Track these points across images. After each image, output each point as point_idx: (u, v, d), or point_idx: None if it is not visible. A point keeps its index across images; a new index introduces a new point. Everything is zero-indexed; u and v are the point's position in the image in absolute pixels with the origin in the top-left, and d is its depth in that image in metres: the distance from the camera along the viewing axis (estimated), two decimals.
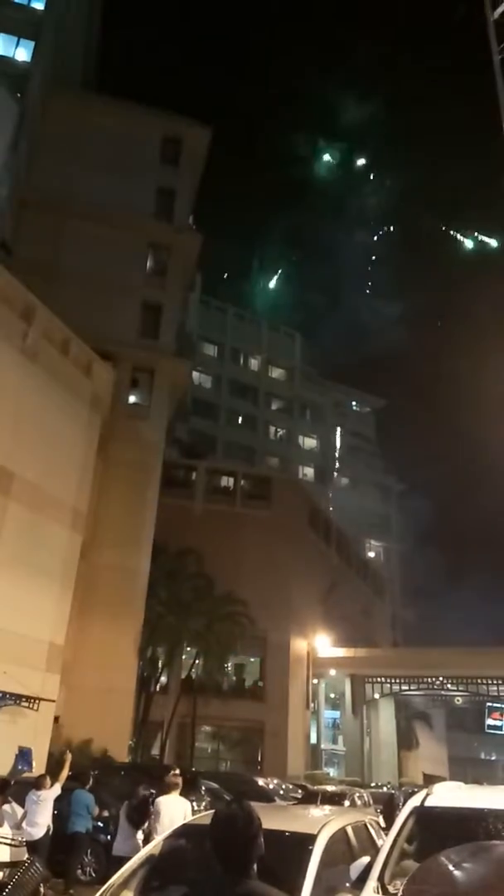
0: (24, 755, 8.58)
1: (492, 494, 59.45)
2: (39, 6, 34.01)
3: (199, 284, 54.69)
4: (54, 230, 28.68)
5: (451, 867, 1.41)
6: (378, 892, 4.09)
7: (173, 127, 34.49)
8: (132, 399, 29.08)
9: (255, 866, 2.62)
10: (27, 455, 19.95)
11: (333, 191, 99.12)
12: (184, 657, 31.00)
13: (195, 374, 52.85)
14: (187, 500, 36.26)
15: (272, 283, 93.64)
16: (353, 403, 70.69)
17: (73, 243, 28.72)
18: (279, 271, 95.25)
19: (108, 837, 10.35)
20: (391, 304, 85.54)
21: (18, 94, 29.01)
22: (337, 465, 65.65)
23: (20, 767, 8.35)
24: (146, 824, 8.42)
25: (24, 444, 19.84)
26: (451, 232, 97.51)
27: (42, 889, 3.80)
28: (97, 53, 46.63)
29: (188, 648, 30.60)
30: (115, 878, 5.26)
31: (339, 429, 66.90)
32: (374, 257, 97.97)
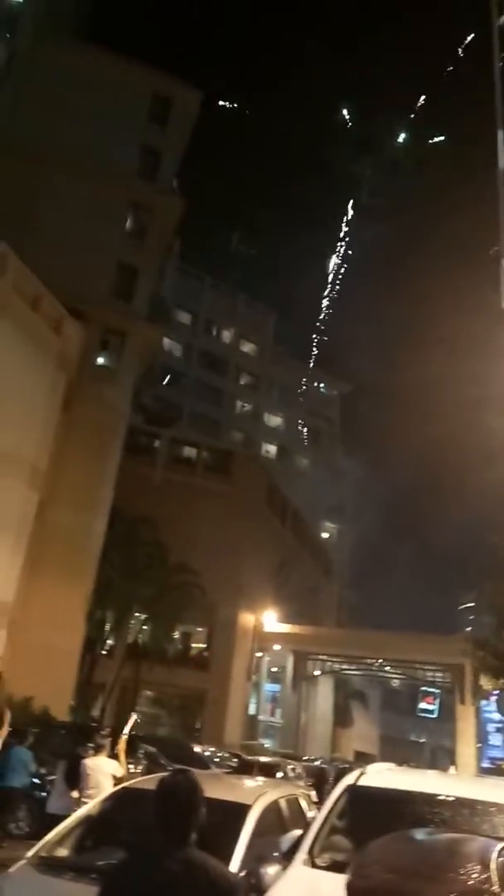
0: None
1: (443, 489, 60.80)
2: None
3: (177, 250, 53.85)
4: (32, 180, 27.58)
5: (388, 856, 1.52)
6: (307, 865, 4.27)
7: (165, 86, 33.54)
8: (100, 361, 28.67)
9: (194, 835, 2.73)
10: None
11: (327, 171, 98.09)
12: (132, 622, 31.17)
13: (166, 341, 52.25)
14: (148, 467, 36.18)
15: (252, 257, 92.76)
16: (321, 385, 70.98)
17: (50, 195, 27.62)
18: (260, 246, 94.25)
19: (45, 794, 10.47)
20: (371, 294, 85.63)
21: (8, 35, 27.90)
22: (299, 445, 66.02)
23: None
24: (81, 784, 8.56)
25: None
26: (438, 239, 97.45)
27: None
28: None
29: (137, 614, 30.77)
30: (51, 835, 5.34)
31: (304, 409, 67.18)
32: (360, 245, 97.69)
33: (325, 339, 73.58)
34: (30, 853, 5.06)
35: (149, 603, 28.94)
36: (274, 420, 64.80)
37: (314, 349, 69.20)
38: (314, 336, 71.44)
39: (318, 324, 73.78)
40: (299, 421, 66.63)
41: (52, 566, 23.90)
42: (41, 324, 22.62)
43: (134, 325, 29.21)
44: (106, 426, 27.25)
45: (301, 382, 67.15)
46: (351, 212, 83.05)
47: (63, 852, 5.24)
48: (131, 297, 29.67)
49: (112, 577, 26.69)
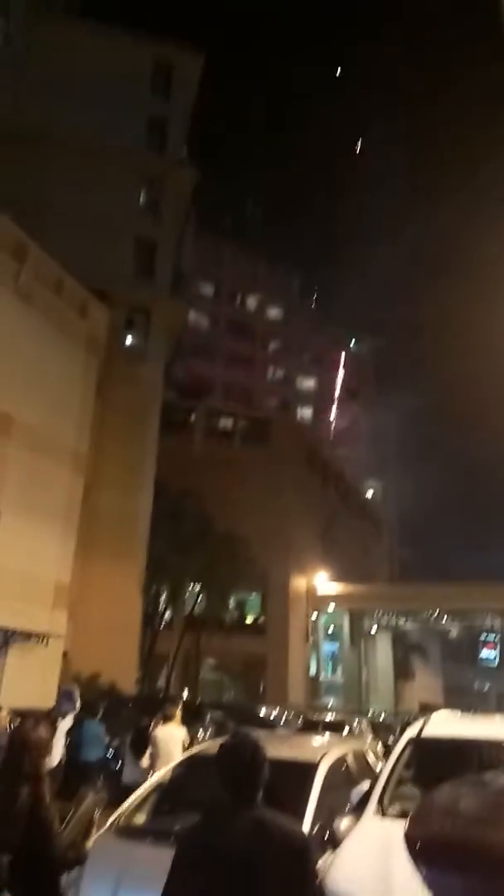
0: (67, 695, 8.89)
1: (490, 433, 59.59)
2: None
3: (194, 219, 53.21)
4: (41, 164, 27.41)
5: (449, 802, 1.50)
6: (378, 815, 4.32)
7: (164, 53, 32.81)
8: (129, 340, 28.75)
9: (260, 794, 2.75)
10: (25, 398, 19.86)
11: (336, 120, 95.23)
12: (187, 594, 31.76)
13: (192, 314, 52.10)
14: (186, 441, 36.41)
15: (271, 218, 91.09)
16: (352, 342, 70.01)
17: (61, 179, 27.41)
18: (279, 205, 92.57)
19: (119, 765, 10.82)
20: (393, 241, 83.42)
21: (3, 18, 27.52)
22: (335, 405, 65.54)
23: (63, 708, 8.69)
24: (148, 753, 8.81)
25: (21, 387, 19.71)
26: (460, 169, 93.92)
27: (96, 818, 4.08)
28: None
29: (191, 586, 31.31)
30: (127, 803, 5.53)
31: (337, 368, 66.48)
32: (376, 193, 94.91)
33: (353, 293, 72.05)
34: (110, 822, 5.25)
35: (201, 574, 29.37)
36: (307, 383, 64.36)
37: (342, 306, 67.87)
38: (341, 292, 70.01)
39: (344, 278, 72.25)
40: (333, 381, 66.00)
41: (103, 546, 24.44)
42: (66, 309, 22.71)
43: (157, 301, 29.13)
44: (141, 405, 27.45)
45: (331, 342, 66.32)
46: (363, 146, 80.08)
47: (141, 819, 5.42)
48: (152, 274, 29.53)
49: (163, 551, 27.12)
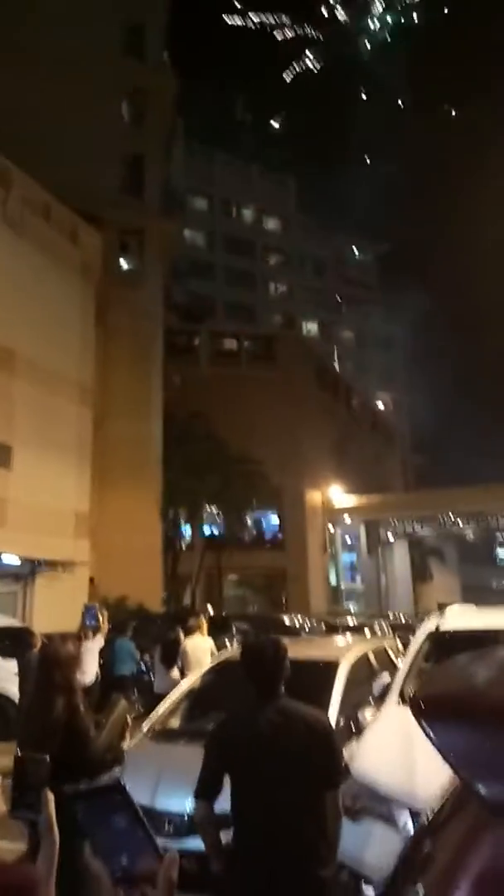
0: (89, 611, 9.28)
1: (497, 333, 58.61)
2: None
3: (181, 130, 50.67)
4: (13, 83, 25.72)
5: (460, 669, 1.52)
6: (399, 703, 4.50)
7: None
8: (124, 265, 28.03)
9: (282, 686, 2.87)
10: (25, 332, 19.64)
11: (330, 14, 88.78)
12: (205, 515, 32.36)
13: (186, 232, 50.53)
14: (192, 365, 36.12)
15: (262, 125, 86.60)
16: (355, 250, 67.88)
17: (37, 97, 25.45)
18: (270, 110, 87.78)
19: (151, 677, 11.35)
20: (394, 142, 79.56)
21: None
22: (341, 318, 64.29)
23: (88, 623, 9.08)
24: (178, 663, 9.22)
25: (20, 320, 19.45)
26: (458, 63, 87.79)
27: (129, 721, 4.33)
28: None
29: (208, 508, 31.85)
30: (161, 709, 5.82)
31: (341, 279, 64.78)
32: (370, 87, 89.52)
33: (352, 198, 69.31)
34: (145, 726, 5.54)
35: (216, 495, 29.79)
36: (311, 297, 62.92)
37: (341, 212, 65.41)
38: (339, 197, 67.30)
39: (341, 182, 69.36)
40: (338, 291, 64.49)
41: (119, 474, 24.75)
42: (57, 236, 22.10)
43: (149, 220, 28.17)
44: (142, 331, 27.07)
45: (333, 251, 64.33)
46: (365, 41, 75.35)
47: (175, 723, 5.70)
48: (142, 192, 28.45)
49: (177, 476, 27.45)
